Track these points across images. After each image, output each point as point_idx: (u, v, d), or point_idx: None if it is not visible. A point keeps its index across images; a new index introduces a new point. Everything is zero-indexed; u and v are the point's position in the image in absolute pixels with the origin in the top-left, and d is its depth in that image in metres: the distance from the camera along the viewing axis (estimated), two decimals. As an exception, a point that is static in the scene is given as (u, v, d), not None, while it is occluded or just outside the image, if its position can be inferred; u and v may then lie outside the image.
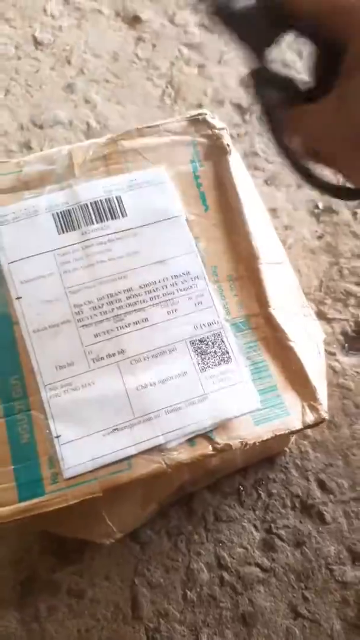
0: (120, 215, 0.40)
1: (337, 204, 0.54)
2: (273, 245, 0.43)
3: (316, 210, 0.54)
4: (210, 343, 0.38)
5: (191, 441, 0.35)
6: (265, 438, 0.35)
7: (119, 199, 0.40)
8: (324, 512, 0.44)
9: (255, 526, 0.44)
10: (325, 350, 0.49)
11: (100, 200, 0.40)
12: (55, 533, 0.41)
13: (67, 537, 0.43)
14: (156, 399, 0.36)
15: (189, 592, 0.43)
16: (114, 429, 0.35)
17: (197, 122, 0.43)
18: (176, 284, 0.39)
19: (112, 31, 0.63)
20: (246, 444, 0.35)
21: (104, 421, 0.36)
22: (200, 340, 0.38)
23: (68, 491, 0.34)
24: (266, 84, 0.30)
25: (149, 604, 0.42)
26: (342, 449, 0.46)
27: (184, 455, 0.35)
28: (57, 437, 0.35)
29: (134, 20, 0.63)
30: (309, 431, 0.46)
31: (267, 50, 0.30)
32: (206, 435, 0.35)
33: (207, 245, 0.40)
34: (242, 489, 0.45)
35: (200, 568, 0.43)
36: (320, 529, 0.44)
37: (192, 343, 0.37)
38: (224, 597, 0.43)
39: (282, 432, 0.35)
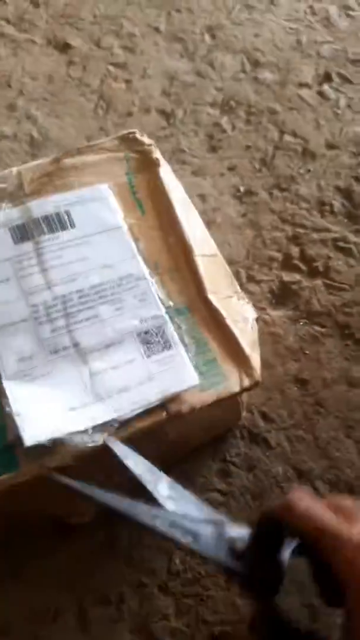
0: (69, 226, 0.46)
1: (256, 187, 0.63)
2: (205, 240, 0.49)
3: (238, 194, 0.63)
4: (154, 334, 0.43)
5: (145, 413, 0.40)
6: (209, 402, 0.40)
7: (67, 213, 0.46)
8: (269, 439, 0.51)
9: (211, 458, 0.50)
10: (257, 306, 0.57)
11: (51, 215, 0.46)
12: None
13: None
14: (108, 383, 0.41)
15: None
16: (71, 409, 0.39)
17: (128, 140, 0.50)
18: (122, 284, 0.44)
19: (45, 57, 0.71)
20: (194, 408, 0.40)
21: (62, 403, 0.40)
22: (146, 332, 0.43)
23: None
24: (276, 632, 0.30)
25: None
26: (278, 385, 0.53)
27: (140, 424, 0.39)
28: (18, 415, 0.39)
29: (65, 47, 0.71)
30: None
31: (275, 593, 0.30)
32: (160, 406, 0.40)
33: (147, 244, 0.46)
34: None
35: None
36: (267, 453, 0.51)
37: (139, 335, 0.43)
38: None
39: (224, 396, 0.41)
